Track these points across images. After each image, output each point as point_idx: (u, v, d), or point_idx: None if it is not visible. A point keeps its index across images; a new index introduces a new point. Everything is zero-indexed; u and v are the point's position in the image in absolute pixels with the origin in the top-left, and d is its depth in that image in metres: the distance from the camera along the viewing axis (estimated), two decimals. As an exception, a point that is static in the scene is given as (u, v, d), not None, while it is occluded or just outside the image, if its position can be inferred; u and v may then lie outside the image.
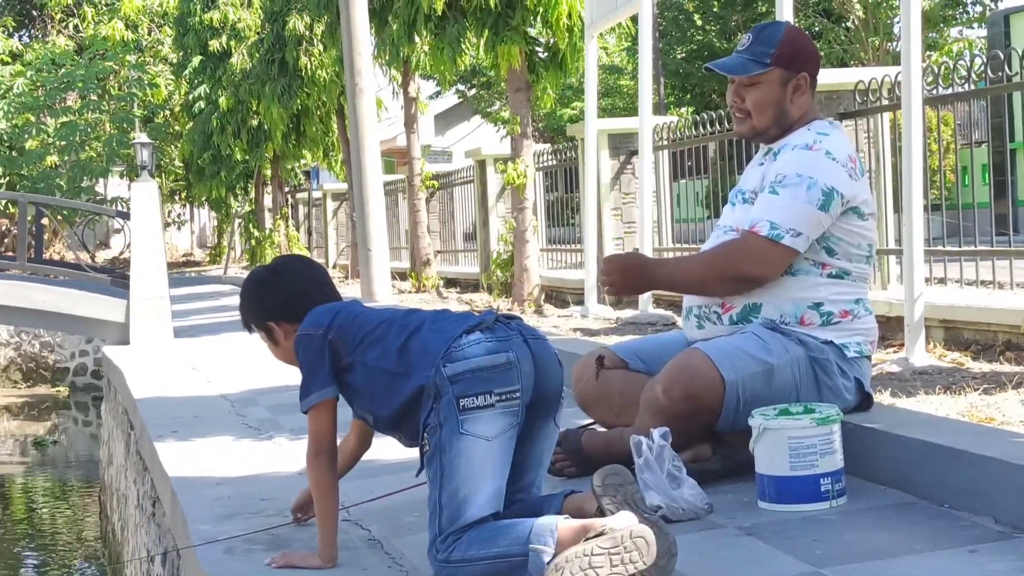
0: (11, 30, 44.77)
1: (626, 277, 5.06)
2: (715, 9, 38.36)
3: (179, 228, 53.22)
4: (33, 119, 36.95)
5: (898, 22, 28.76)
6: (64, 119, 37.43)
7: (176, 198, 47.11)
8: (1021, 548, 3.85)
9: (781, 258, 4.83)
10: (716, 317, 5.04)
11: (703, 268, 5.04)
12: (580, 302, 12.92)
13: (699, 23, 38.94)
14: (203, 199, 42.09)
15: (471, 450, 3.79)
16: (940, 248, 8.77)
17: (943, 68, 8.77)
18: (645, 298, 11.11)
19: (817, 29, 34.61)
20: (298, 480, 5.56)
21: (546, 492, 4.10)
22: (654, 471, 4.42)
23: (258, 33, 30.14)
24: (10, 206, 26.98)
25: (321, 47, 25.39)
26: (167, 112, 40.62)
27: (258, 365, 10.73)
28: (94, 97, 38.20)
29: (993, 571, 3.68)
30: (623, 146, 13.75)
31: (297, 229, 34.90)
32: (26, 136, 36.72)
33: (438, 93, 44.13)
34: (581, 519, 3.70)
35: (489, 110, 43.64)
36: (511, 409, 3.85)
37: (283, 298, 4.29)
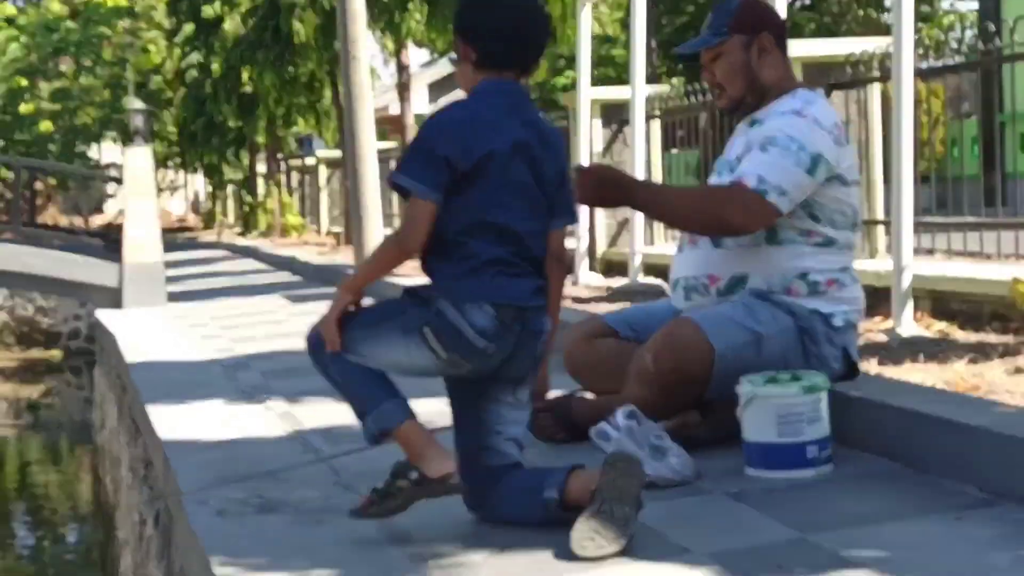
0: (5, -5, 44.66)
1: (599, 191, 4.99)
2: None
3: (172, 194, 53.14)
4: (27, 83, 36.87)
5: (892, -7, 28.76)
6: (58, 84, 37.35)
7: (170, 164, 47.02)
8: (1005, 515, 3.89)
9: (764, 213, 4.82)
10: (704, 288, 5.07)
11: (687, 203, 5.07)
12: (570, 270, 12.95)
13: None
14: (196, 165, 42.05)
15: (397, 344, 4.02)
16: (929, 219, 8.80)
17: (934, 40, 8.79)
18: (635, 267, 11.13)
19: (809, 1, 34.56)
20: (288, 444, 5.60)
21: (544, 464, 4.19)
22: (631, 449, 4.42)
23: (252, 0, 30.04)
24: (4, 170, 26.91)
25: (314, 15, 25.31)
26: (160, 78, 40.51)
27: (251, 330, 10.78)
28: (88, 63, 38.11)
29: (978, 538, 3.73)
30: (615, 115, 13.74)
31: (291, 196, 34.84)
32: (20, 101, 36.65)
33: (431, 62, 44.02)
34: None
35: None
36: (444, 367, 4.07)
37: (486, 25, 4.17)
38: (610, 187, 4.97)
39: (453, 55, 4.25)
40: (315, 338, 4.12)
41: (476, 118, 4.06)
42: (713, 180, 5.25)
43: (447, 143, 3.99)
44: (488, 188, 4.01)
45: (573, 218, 4.30)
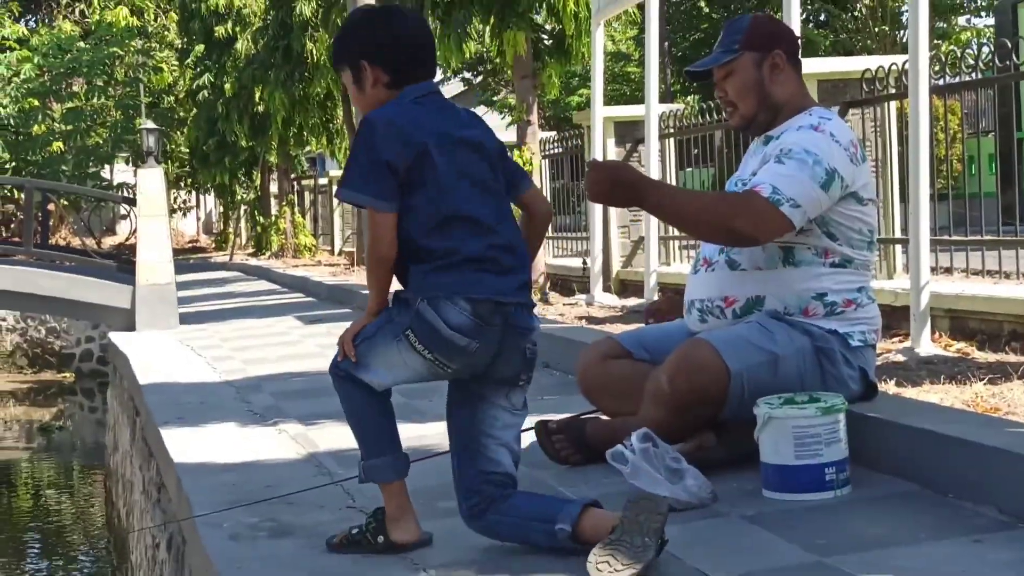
0: (17, 15, 44.75)
1: (612, 189, 4.91)
2: (719, 0, 38.29)
3: (185, 214, 53.17)
4: (39, 104, 36.92)
5: (905, 10, 28.71)
6: (70, 104, 37.41)
7: (182, 184, 47.08)
8: (1024, 539, 3.85)
9: (776, 224, 4.77)
10: (719, 311, 5.03)
11: (699, 208, 4.99)
12: (585, 290, 12.92)
13: (706, 10, 38.88)
14: (208, 185, 42.10)
15: (392, 351, 4.05)
16: (946, 237, 8.76)
17: (950, 57, 8.75)
18: (651, 286, 11.10)
19: (824, 17, 34.56)
20: (301, 467, 5.57)
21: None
22: (648, 471, 4.40)
23: (263, 19, 30.10)
24: (16, 192, 26.95)
25: (327, 34, 25.37)
26: (172, 98, 40.57)
27: (264, 351, 10.75)
28: (100, 83, 38.16)
29: (997, 561, 3.68)
30: (629, 134, 13.73)
31: (303, 216, 34.87)
32: (32, 121, 36.70)
33: (443, 81, 44.03)
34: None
35: (494, 98, 43.60)
36: (436, 369, 4.06)
37: (388, 41, 4.14)
38: (623, 187, 4.91)
39: (354, 84, 4.19)
40: (335, 367, 4.19)
41: (405, 114, 4.04)
42: None
43: (385, 146, 3.97)
44: (438, 181, 4.00)
45: (529, 181, 4.32)
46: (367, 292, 4.19)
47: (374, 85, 4.14)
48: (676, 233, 13.14)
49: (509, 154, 4.30)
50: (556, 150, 17.09)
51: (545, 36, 15.26)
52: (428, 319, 3.95)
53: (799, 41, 5.38)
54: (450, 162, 4.02)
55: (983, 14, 34.63)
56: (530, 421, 5.43)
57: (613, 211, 13.52)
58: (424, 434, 5.97)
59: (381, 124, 4.00)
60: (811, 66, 10.31)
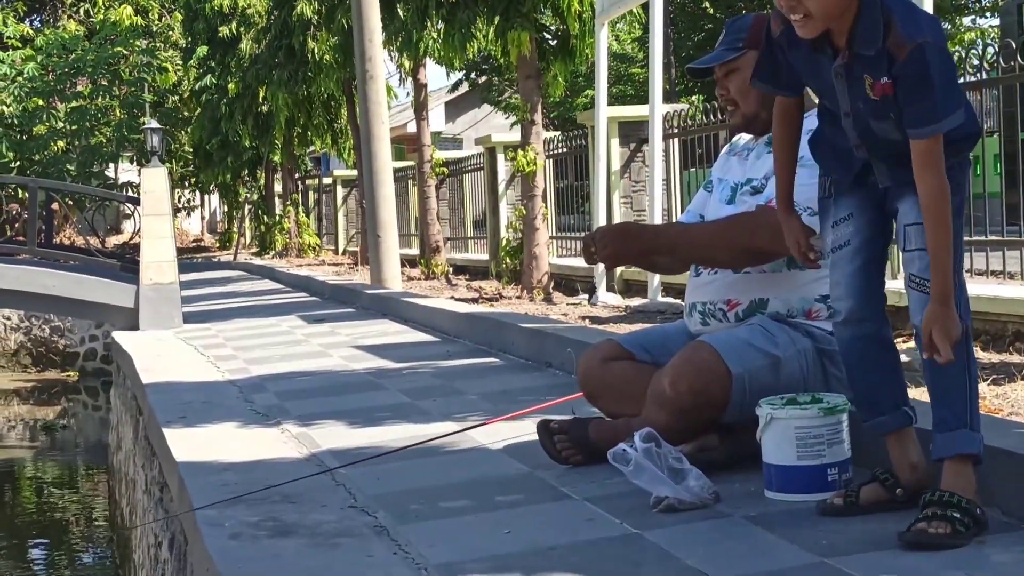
0: (22, 14, 44.79)
1: (626, 244, 4.94)
2: (723, 1, 38.24)
3: (189, 214, 53.23)
4: (43, 104, 36.97)
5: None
6: (74, 104, 37.46)
7: (186, 183, 47.13)
8: (1028, 540, 3.84)
9: None
10: (722, 314, 5.03)
11: (713, 236, 4.98)
12: (589, 290, 12.91)
13: (710, 11, 38.86)
14: (212, 185, 42.13)
15: None
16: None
17: (955, 57, 8.74)
18: (655, 286, 11.09)
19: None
20: (304, 467, 5.57)
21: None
22: (651, 470, 4.40)
23: (266, 19, 30.12)
24: (20, 191, 26.97)
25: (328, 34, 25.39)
26: (176, 98, 40.61)
27: (267, 351, 10.76)
28: (104, 82, 38.21)
29: (1000, 562, 3.67)
30: (633, 134, 13.73)
31: (307, 215, 34.91)
32: (36, 121, 36.75)
33: (457, 84, 44.03)
34: None
35: (499, 98, 43.61)
36: None
37: None
38: (632, 239, 4.92)
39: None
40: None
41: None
42: (705, 198, 5.22)
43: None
44: None
45: None
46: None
47: None
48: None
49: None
50: (560, 150, 17.09)
51: (549, 36, 15.27)
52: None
53: None
54: None
55: (988, 15, 34.61)
56: (532, 421, 5.45)
57: (617, 211, 13.51)
58: (426, 433, 5.96)
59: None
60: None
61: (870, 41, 3.80)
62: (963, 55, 8.88)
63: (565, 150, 16.93)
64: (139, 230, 15.11)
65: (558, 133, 18.85)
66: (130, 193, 29.39)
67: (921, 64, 3.72)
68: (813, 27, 3.85)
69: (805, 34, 3.89)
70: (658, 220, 11.45)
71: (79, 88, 38.18)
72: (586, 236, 5.27)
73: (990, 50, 8.72)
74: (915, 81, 3.75)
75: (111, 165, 40.10)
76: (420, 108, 21.12)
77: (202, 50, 33.25)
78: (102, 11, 40.45)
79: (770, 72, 4.21)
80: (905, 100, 3.78)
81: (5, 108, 36.33)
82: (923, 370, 3.96)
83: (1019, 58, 8.21)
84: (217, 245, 46.89)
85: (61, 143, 36.83)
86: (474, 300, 13.59)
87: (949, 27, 33.42)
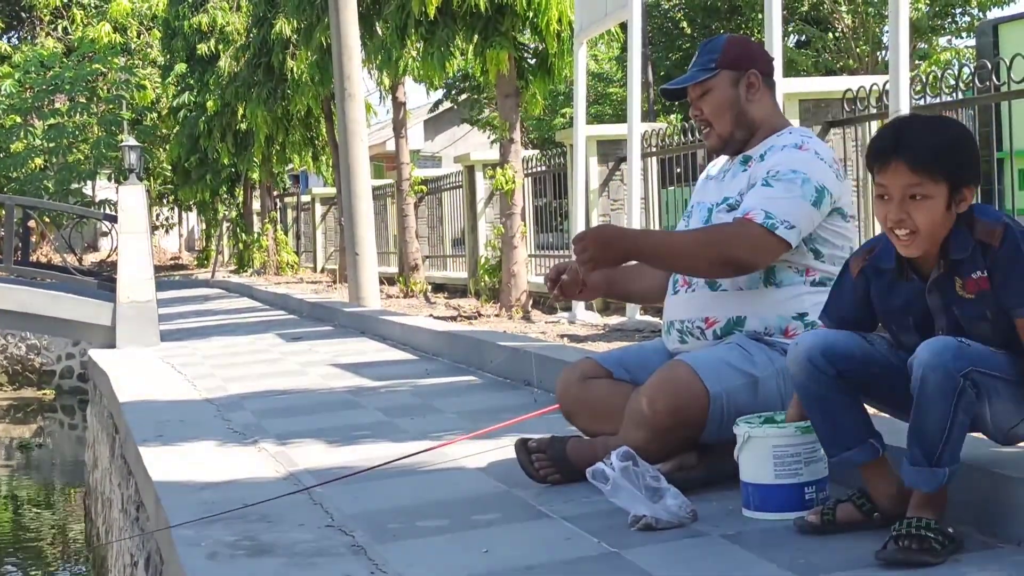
0: (0, 31, 44.73)
1: (605, 248, 4.87)
2: (700, 20, 38.31)
3: (167, 231, 53.12)
4: (21, 121, 36.91)
5: (886, 31, 28.78)
6: (52, 121, 37.40)
7: (164, 201, 47.07)
8: (1004, 559, 3.84)
9: (774, 248, 4.80)
10: (700, 332, 5.03)
11: (694, 244, 4.95)
12: (568, 308, 12.92)
13: (687, 31, 38.94)
14: (190, 202, 42.07)
15: None
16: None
17: (931, 77, 8.78)
18: (633, 305, 11.09)
19: (805, 37, 34.64)
20: (281, 486, 5.55)
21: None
22: (628, 489, 4.40)
23: (245, 36, 30.12)
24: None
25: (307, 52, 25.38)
26: (155, 115, 40.56)
27: (245, 369, 10.73)
28: (82, 99, 38.16)
29: (977, 581, 3.68)
30: (612, 153, 13.75)
31: (286, 233, 34.88)
32: (14, 138, 36.68)
33: (438, 103, 44.00)
34: None
35: (479, 117, 43.64)
36: None
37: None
38: (611, 242, 4.91)
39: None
40: None
41: None
42: (703, 225, 5.19)
43: None
44: None
45: None
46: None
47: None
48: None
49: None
50: (539, 168, 17.11)
51: (528, 55, 15.29)
52: None
53: (773, 62, 5.39)
54: None
55: (964, 35, 34.70)
56: (511, 440, 5.44)
57: (595, 230, 13.51)
58: (404, 451, 5.95)
59: None
60: (793, 86, 10.35)
61: (964, 244, 3.92)
62: (939, 75, 8.91)
63: (544, 168, 16.95)
64: (116, 248, 15.08)
65: (537, 152, 18.88)
66: (107, 211, 29.31)
67: (1013, 242, 3.86)
68: (918, 245, 3.95)
69: (910, 252, 3.98)
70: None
71: (57, 105, 38.12)
72: (548, 272, 5.32)
73: (966, 70, 8.75)
74: (1011, 260, 3.87)
75: (89, 183, 39.99)
76: (399, 126, 21.12)
77: (181, 68, 33.27)
78: (80, 28, 40.44)
79: (843, 310, 4.30)
80: (1003, 282, 3.89)
81: (-17, 125, 36.29)
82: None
83: (995, 78, 8.24)
84: (195, 263, 46.81)
85: (39, 160, 36.74)
86: (453, 318, 13.60)
87: (926, 47, 33.53)
